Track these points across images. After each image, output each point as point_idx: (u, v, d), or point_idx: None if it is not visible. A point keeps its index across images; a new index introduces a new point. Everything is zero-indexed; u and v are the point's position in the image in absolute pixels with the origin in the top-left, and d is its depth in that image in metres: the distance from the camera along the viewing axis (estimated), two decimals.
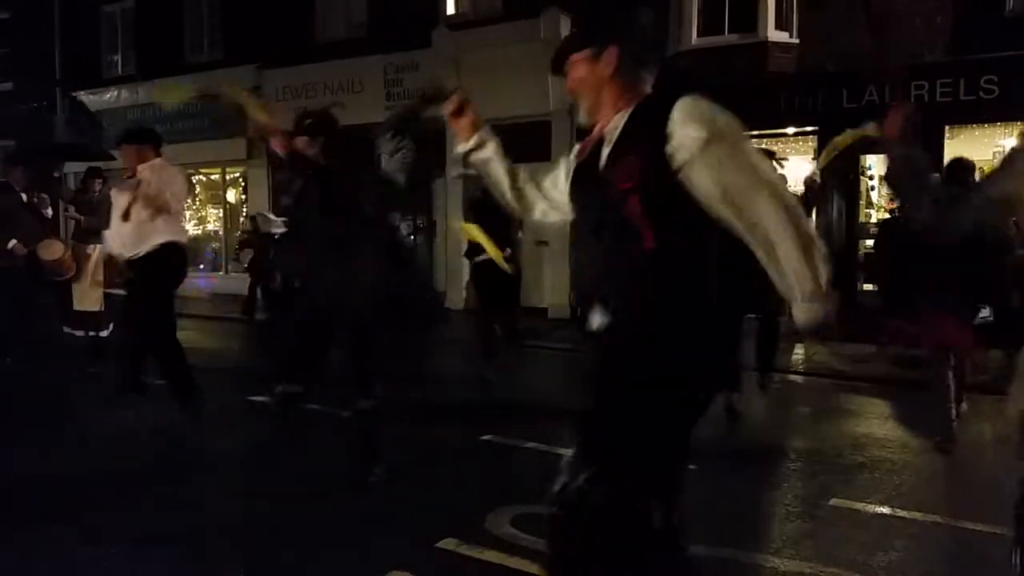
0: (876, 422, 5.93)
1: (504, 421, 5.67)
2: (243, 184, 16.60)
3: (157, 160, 5.46)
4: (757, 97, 10.52)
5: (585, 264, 2.37)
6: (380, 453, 4.30)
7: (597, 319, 2.15)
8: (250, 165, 15.37)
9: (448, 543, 3.45)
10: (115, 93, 17.53)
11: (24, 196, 7.90)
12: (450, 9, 13.41)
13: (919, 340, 6.13)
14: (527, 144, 12.43)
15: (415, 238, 13.99)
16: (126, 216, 5.31)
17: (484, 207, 6.23)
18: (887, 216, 10.44)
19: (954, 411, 5.15)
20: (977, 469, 4.90)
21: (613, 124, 2.13)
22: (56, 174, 12.43)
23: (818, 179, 6.10)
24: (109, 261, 7.64)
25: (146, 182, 5.27)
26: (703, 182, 1.96)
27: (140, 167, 5.38)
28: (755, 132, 11.15)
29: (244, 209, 16.70)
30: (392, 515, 3.90)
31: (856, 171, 10.62)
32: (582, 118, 2.23)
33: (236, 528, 3.72)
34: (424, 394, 6.56)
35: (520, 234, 7.13)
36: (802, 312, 1.93)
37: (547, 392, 6.54)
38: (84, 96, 17.89)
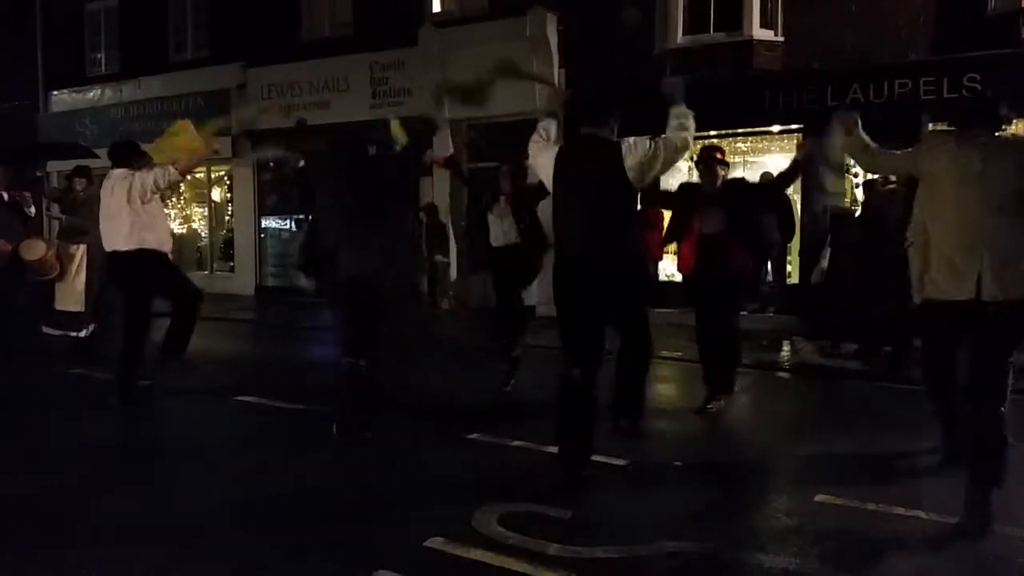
0: (862, 418, 5.97)
1: (490, 419, 5.66)
2: (228, 183, 16.49)
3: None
4: (742, 95, 10.54)
5: None
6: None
7: None
8: (236, 164, 15.23)
9: (435, 542, 3.44)
10: (98, 92, 17.39)
11: (5, 195, 7.84)
12: (436, 7, 13.37)
13: None
14: (513, 143, 12.41)
15: None
16: None
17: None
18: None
19: None
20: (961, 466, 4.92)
21: None
22: (39, 173, 12.29)
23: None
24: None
25: None
26: None
27: None
28: (740, 130, 11.19)
29: (229, 207, 16.58)
30: (379, 514, 3.89)
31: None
32: None
33: (223, 527, 3.70)
34: (410, 393, 6.53)
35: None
36: None
37: (533, 390, 6.52)
38: (67, 95, 17.74)
